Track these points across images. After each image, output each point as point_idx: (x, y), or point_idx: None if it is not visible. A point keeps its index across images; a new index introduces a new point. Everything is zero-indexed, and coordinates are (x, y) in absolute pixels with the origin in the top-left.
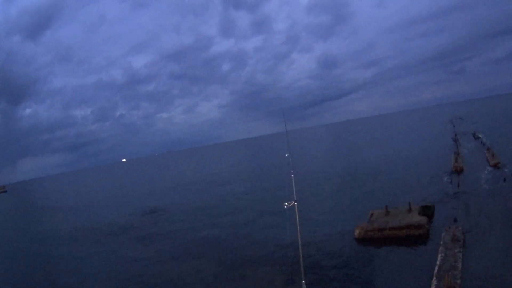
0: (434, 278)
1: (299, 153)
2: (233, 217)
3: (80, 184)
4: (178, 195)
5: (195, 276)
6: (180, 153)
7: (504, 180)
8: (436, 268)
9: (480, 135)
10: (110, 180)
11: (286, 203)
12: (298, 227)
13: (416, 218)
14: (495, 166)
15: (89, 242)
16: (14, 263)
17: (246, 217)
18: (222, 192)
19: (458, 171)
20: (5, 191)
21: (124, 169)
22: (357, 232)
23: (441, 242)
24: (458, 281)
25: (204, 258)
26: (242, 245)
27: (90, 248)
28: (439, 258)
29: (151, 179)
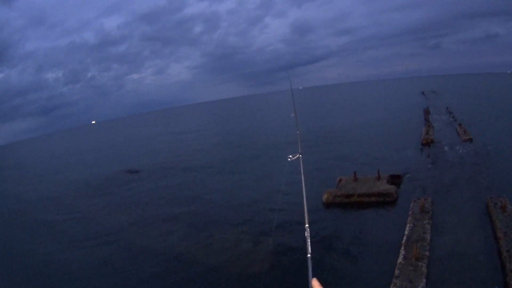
0: (403, 248)
1: (269, 118)
2: (202, 178)
3: (50, 148)
4: (149, 157)
5: (162, 238)
6: (150, 115)
7: (475, 155)
8: (404, 238)
9: (451, 110)
10: (80, 143)
11: (291, 156)
12: (302, 178)
13: (385, 186)
14: (467, 141)
15: (60, 206)
16: None
17: (218, 178)
18: (192, 153)
19: (429, 143)
20: None
21: (94, 132)
22: (325, 197)
23: (410, 212)
24: (427, 253)
25: (174, 221)
26: (213, 206)
27: (60, 213)
28: (407, 228)
29: (120, 141)
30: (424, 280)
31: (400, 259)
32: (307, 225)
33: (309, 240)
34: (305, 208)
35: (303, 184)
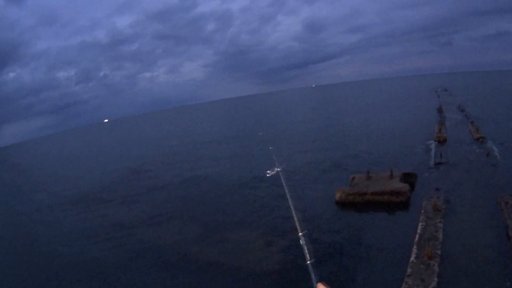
0: (415, 246)
1: (282, 115)
2: (218, 178)
3: (62, 146)
4: (161, 156)
5: (176, 237)
6: (162, 113)
7: (487, 154)
8: (417, 236)
9: (464, 108)
10: (93, 141)
11: (269, 171)
12: (286, 190)
13: (398, 184)
14: (479, 140)
15: (71, 205)
16: None
17: (231, 179)
18: (206, 153)
19: (441, 141)
20: None
21: (106, 130)
22: (338, 195)
23: (422, 211)
24: (439, 252)
25: (187, 220)
26: (226, 208)
27: (72, 212)
28: (419, 227)
29: (132, 140)
30: (436, 279)
31: (412, 258)
32: (300, 234)
33: (305, 248)
34: (295, 218)
35: (289, 197)
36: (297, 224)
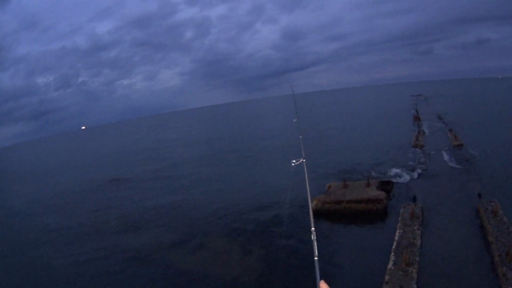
0: (393, 253)
1: (259, 123)
2: (193, 185)
3: (40, 153)
4: (138, 163)
5: (153, 244)
6: (139, 121)
7: (466, 161)
8: (395, 244)
9: (442, 116)
10: (70, 148)
11: (294, 160)
12: (307, 183)
13: (374, 192)
14: (457, 146)
15: (46, 212)
16: None
17: (206, 185)
18: (183, 160)
19: (419, 149)
20: None
21: (83, 137)
22: (314, 203)
23: (400, 219)
24: (417, 258)
25: (164, 227)
26: (202, 214)
27: (46, 219)
28: (397, 234)
29: (109, 148)
30: (415, 285)
31: (390, 265)
32: (313, 228)
33: (315, 243)
34: (311, 211)
35: (308, 189)
36: (311, 219)
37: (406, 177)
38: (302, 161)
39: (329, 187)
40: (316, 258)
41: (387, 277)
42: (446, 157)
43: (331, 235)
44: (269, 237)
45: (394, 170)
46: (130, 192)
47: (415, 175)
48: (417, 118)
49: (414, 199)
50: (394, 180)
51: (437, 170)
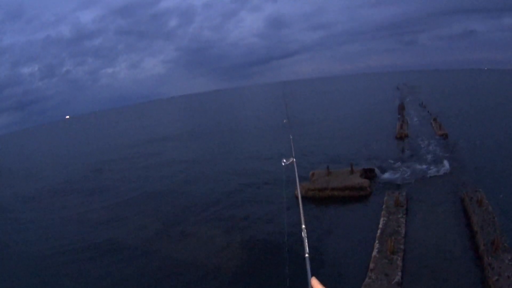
0: (377, 241)
1: (245, 111)
2: (181, 174)
3: (25, 144)
4: (123, 152)
5: (136, 233)
6: (123, 109)
7: (451, 151)
8: (379, 231)
9: (427, 105)
10: (54, 138)
11: (284, 160)
12: (297, 182)
13: (358, 180)
14: (442, 136)
15: (31, 204)
16: None
17: (189, 173)
18: (166, 148)
19: (403, 138)
20: None
21: (68, 127)
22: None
23: (384, 206)
24: (402, 246)
25: (148, 216)
26: (185, 202)
27: (31, 210)
28: (381, 222)
29: (93, 137)
30: (400, 273)
31: (374, 253)
32: (303, 226)
33: (306, 241)
34: (301, 208)
35: (298, 187)
36: (301, 216)
37: (389, 167)
38: (293, 161)
39: (313, 174)
40: (307, 255)
41: (372, 265)
42: (430, 146)
43: (314, 223)
44: (255, 227)
45: (378, 159)
46: (115, 180)
47: (398, 163)
48: (401, 107)
49: (398, 186)
50: (378, 171)
51: (420, 159)
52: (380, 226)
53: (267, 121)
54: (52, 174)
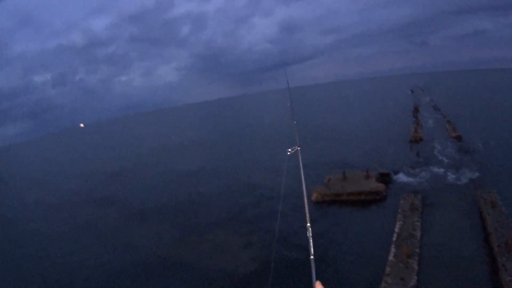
0: (393, 245)
1: (256, 118)
2: (194, 181)
3: (39, 152)
4: (139, 160)
5: (154, 239)
6: (138, 116)
7: (465, 152)
8: (395, 236)
9: (440, 107)
10: (70, 147)
11: (290, 149)
12: (301, 170)
13: (374, 184)
14: (456, 138)
15: (50, 212)
16: None
17: (207, 181)
18: (182, 157)
19: (417, 141)
20: None
21: (82, 135)
22: (314, 196)
23: (399, 210)
24: (417, 250)
25: (165, 222)
26: (202, 209)
27: (50, 219)
28: (397, 226)
29: (109, 145)
30: (415, 277)
31: (390, 257)
32: (308, 224)
33: (311, 241)
34: (306, 206)
35: (303, 180)
36: (307, 214)
37: (404, 171)
38: (297, 149)
39: (329, 179)
40: (312, 257)
41: (388, 269)
42: (444, 148)
43: (331, 228)
44: (269, 229)
45: (394, 162)
46: (131, 188)
47: (414, 166)
48: (416, 110)
49: (413, 190)
50: (393, 175)
51: (435, 162)
52: (396, 230)
53: (279, 127)
54: (68, 182)
